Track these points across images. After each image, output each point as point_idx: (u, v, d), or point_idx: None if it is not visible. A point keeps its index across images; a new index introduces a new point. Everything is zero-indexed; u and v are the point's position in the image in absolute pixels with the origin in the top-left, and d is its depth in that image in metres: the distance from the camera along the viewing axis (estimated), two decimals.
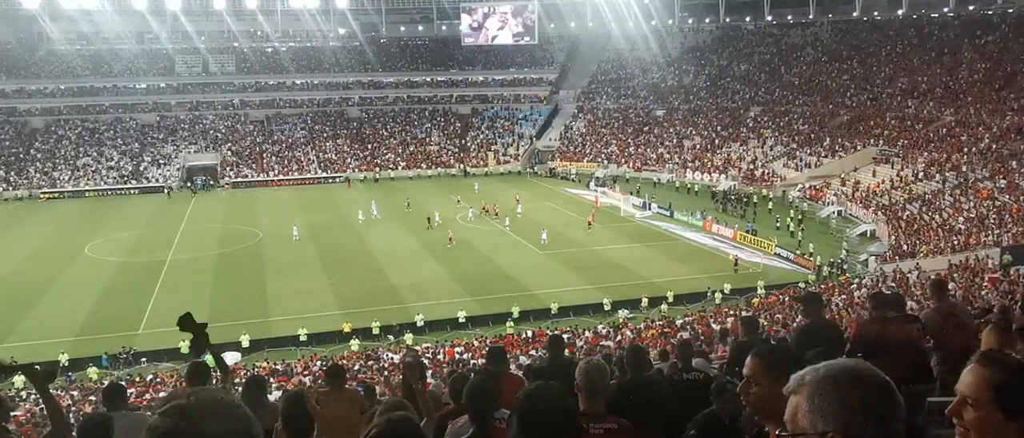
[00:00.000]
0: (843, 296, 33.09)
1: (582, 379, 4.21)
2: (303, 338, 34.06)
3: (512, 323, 35.35)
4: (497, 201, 61.22)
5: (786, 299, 34.54)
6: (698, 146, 77.92)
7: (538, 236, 49.88)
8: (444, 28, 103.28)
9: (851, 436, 1.78)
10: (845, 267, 43.33)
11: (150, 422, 1.67)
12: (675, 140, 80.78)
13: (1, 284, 43.02)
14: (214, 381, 7.28)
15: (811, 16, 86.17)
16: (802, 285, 38.81)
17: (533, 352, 27.06)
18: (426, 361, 26.01)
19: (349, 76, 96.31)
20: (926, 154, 56.44)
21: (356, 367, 26.98)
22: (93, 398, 24.57)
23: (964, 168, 51.35)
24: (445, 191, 70.13)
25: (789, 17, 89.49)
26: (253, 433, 1.71)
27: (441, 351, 30.39)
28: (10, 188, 74.51)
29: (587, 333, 31.35)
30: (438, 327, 35.65)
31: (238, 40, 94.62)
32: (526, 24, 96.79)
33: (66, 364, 31.69)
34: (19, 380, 28.76)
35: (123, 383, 22.02)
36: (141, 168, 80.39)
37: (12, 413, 22.06)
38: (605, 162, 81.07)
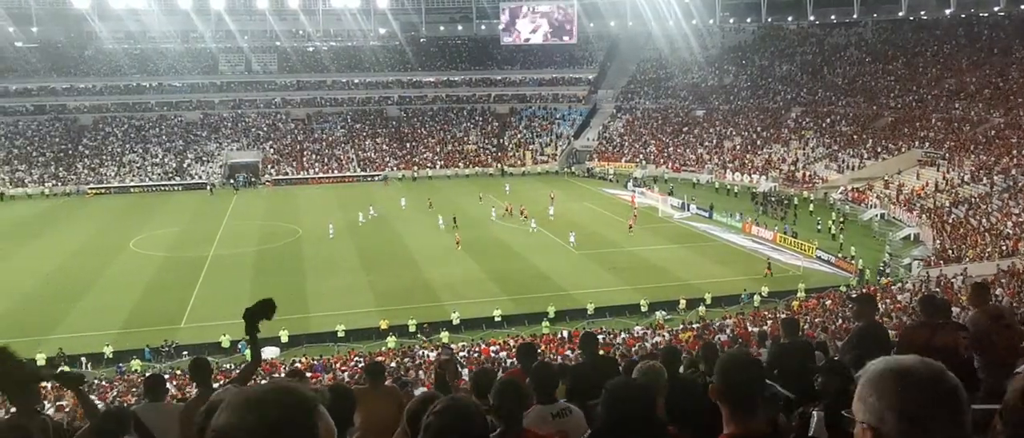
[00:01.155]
0: (886, 300, 32.48)
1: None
2: (341, 334, 34.40)
3: (548, 323, 35.29)
4: (525, 202, 60.88)
5: (827, 303, 34.04)
6: (738, 147, 77.10)
7: (569, 237, 49.76)
8: (483, 28, 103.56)
9: (879, 431, 1.79)
10: (888, 271, 42.55)
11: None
12: (715, 141, 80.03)
13: (50, 278, 44.14)
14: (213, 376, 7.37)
15: (855, 16, 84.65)
16: (843, 288, 38.19)
17: (569, 352, 26.99)
18: (462, 359, 26.13)
19: (388, 75, 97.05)
20: (974, 156, 55.18)
21: (393, 364, 27.15)
22: (136, 389, 25.09)
23: (1014, 171, 50.10)
24: (477, 191, 70.15)
25: (832, 17, 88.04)
26: (313, 423, 1.73)
27: (477, 349, 30.44)
28: (59, 184, 76.34)
29: (623, 334, 31.20)
30: (474, 325, 35.73)
31: (280, 39, 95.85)
32: (563, 25, 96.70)
33: (111, 356, 32.46)
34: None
35: (164, 375, 22.45)
36: (185, 165, 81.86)
37: (59, 402, 22.56)
38: (643, 162, 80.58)
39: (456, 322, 35.48)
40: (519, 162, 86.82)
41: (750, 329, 28.71)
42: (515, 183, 75.49)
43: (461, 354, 28.10)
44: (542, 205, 60.02)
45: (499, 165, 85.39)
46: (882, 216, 54.25)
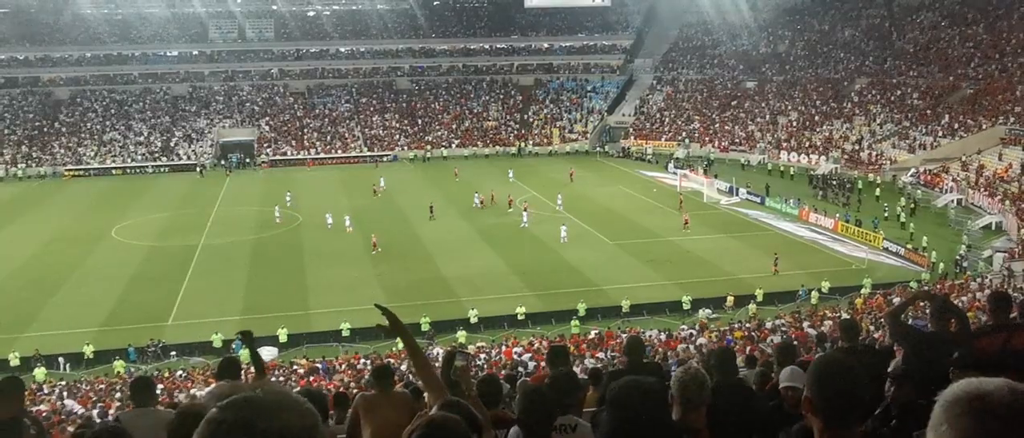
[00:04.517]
0: (964, 298, 32.12)
1: (677, 389, 4.16)
2: (346, 333, 34.54)
3: (577, 322, 35.31)
4: (538, 187, 60.40)
5: (895, 301, 33.70)
6: (794, 123, 76.52)
7: (602, 226, 49.51)
8: None
9: None
10: (965, 264, 42.09)
11: (209, 415, 1.71)
12: (768, 116, 79.48)
13: (23, 269, 44.76)
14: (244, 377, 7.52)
15: None
16: (914, 284, 37.83)
17: (601, 354, 27.00)
18: (482, 361, 26.19)
19: (398, 43, 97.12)
20: None
21: (404, 366, 27.25)
22: (119, 394, 25.39)
23: None
24: (493, 172, 70.02)
25: None
26: (319, 428, 1.76)
27: (498, 352, 30.45)
28: (33, 164, 77.29)
29: (656, 333, 31.04)
30: (494, 324, 35.80)
31: (277, 3, 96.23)
32: None
33: (91, 356, 32.87)
34: (40, 373, 30.00)
35: (152, 377, 22.71)
36: (172, 144, 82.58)
37: (36, 407, 22.95)
38: (686, 141, 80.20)
39: (474, 320, 35.56)
40: (545, 140, 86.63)
41: (807, 330, 28.53)
42: (534, 164, 75.40)
43: (480, 356, 28.14)
44: (554, 191, 59.76)
45: (521, 144, 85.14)
46: (959, 202, 53.68)
